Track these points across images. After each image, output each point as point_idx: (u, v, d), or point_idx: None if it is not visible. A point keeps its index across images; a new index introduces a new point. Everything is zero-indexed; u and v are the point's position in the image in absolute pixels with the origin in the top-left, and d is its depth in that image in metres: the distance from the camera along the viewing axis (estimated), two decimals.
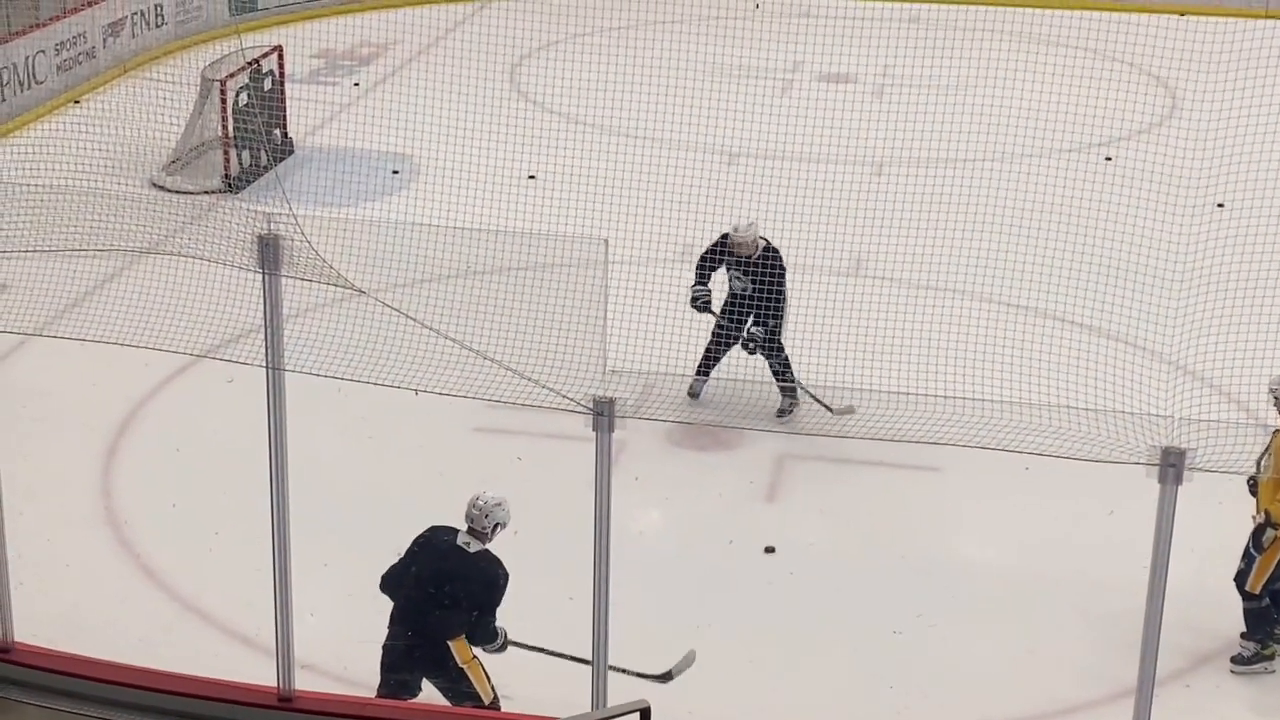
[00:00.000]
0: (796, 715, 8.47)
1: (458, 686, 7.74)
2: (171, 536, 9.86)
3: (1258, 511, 8.58)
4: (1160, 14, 20.03)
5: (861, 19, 15.70)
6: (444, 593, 7.67)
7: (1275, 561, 8.56)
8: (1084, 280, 11.85)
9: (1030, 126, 15.23)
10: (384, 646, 7.81)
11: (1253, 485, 8.62)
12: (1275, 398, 8.63)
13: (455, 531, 7.81)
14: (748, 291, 10.96)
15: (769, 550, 9.72)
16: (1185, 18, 18.58)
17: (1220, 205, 12.60)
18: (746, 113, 15.30)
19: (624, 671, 7.67)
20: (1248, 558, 8.61)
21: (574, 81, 15.72)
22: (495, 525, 7.77)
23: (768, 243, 11.13)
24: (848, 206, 12.60)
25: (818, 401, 10.88)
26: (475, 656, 7.74)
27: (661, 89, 14.32)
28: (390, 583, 7.88)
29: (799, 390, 11.08)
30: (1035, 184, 14.19)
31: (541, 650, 7.94)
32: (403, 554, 7.91)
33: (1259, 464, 8.50)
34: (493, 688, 7.80)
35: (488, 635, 7.74)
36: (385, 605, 8.00)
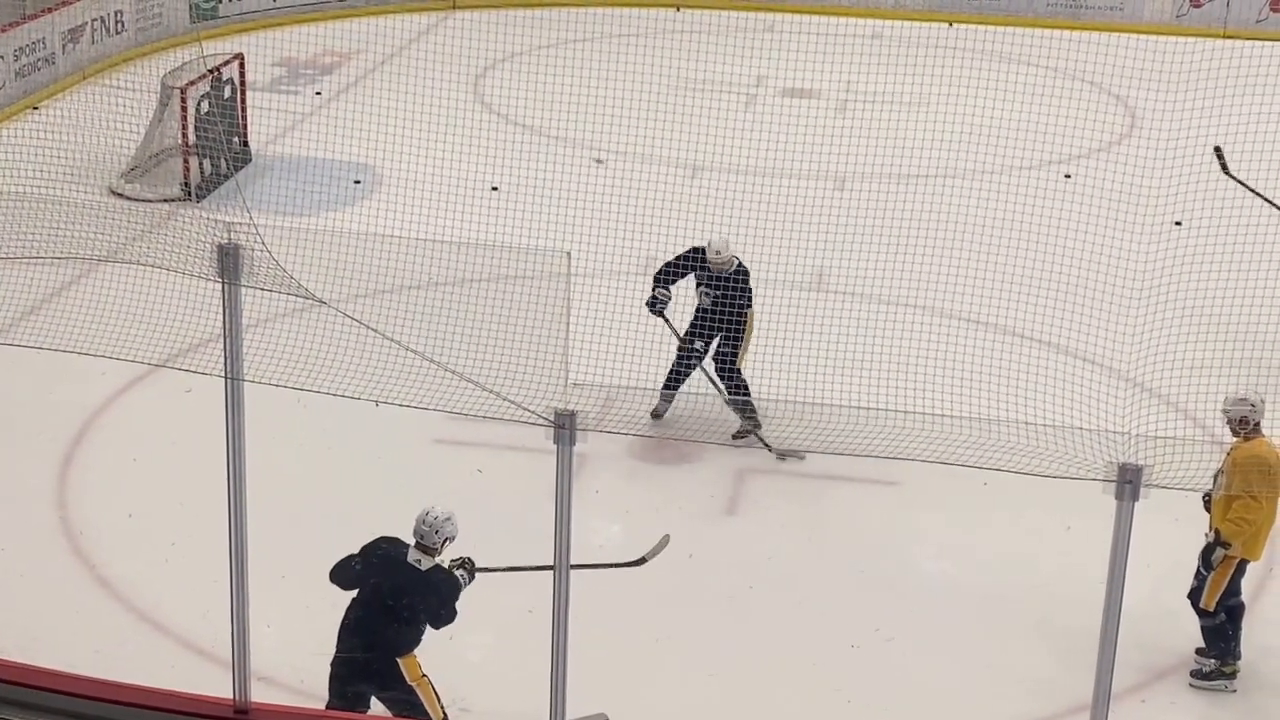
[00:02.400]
0: None
1: (408, 701, 7.71)
2: (128, 547, 9.79)
3: (1210, 529, 8.63)
4: (1120, 33, 20.21)
5: (825, 34, 15.76)
6: (397, 609, 7.62)
7: (1228, 579, 8.62)
8: (1043, 297, 11.91)
9: (991, 143, 15.30)
10: (334, 660, 7.77)
11: (1207, 502, 8.68)
12: (1228, 418, 8.66)
13: (406, 547, 7.75)
14: (716, 308, 10.96)
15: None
16: (1145, 37, 18.74)
17: (1178, 223, 12.69)
18: (710, 126, 15.33)
19: (595, 567, 7.65)
20: (1199, 576, 8.66)
21: (538, 93, 15.74)
22: (445, 540, 7.73)
23: (740, 262, 11.15)
24: (810, 221, 12.64)
25: (762, 443, 10.90)
26: (425, 675, 7.69)
27: (625, 102, 14.34)
28: (339, 577, 7.84)
29: (748, 418, 11.07)
30: (995, 200, 14.26)
31: (512, 569, 7.91)
32: (356, 554, 7.85)
33: (1215, 479, 8.56)
34: (443, 707, 7.77)
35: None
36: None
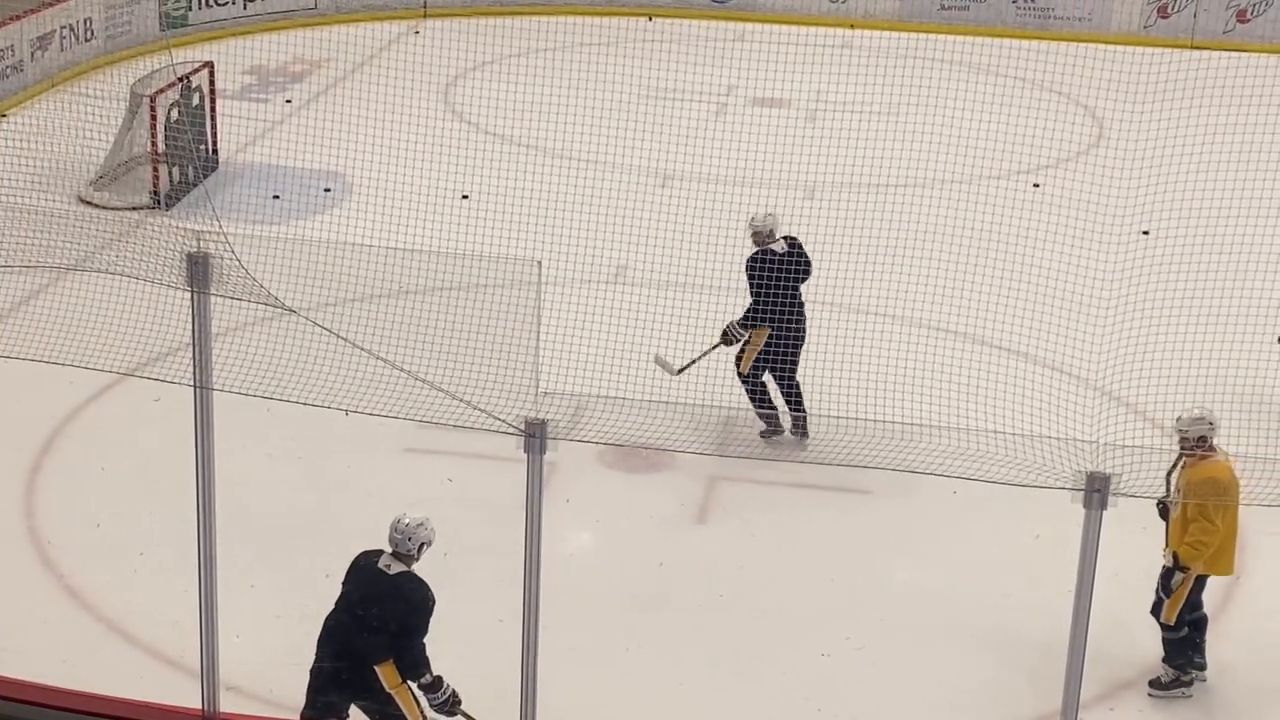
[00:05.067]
0: None
1: (386, 710, 7.68)
2: (96, 557, 9.74)
3: (1167, 547, 8.64)
4: (1088, 43, 20.34)
5: (795, 44, 15.80)
6: (369, 615, 7.58)
7: (1186, 595, 8.63)
8: (1011, 306, 11.96)
9: (959, 153, 15.40)
10: (312, 669, 7.73)
11: (1163, 510, 8.70)
12: (1184, 436, 8.63)
13: (380, 554, 7.73)
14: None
15: None
16: (1113, 48, 18.86)
17: (1146, 232, 12.78)
18: (681, 135, 15.36)
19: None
20: (1159, 593, 8.68)
21: (508, 102, 15.74)
22: (420, 545, 7.66)
23: (789, 238, 11.15)
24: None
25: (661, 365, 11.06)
26: (404, 682, 7.66)
27: (596, 110, 14.35)
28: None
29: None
30: (964, 210, 14.33)
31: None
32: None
33: (1168, 480, 8.56)
34: (423, 713, 7.74)
35: (416, 663, 7.57)
36: (312, 627, 7.92)
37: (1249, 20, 22.69)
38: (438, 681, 7.59)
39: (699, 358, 11.12)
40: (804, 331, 11.08)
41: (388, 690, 7.59)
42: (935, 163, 15.94)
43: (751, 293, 11.00)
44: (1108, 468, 6.26)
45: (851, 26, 21.70)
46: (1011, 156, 14.72)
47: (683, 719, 8.56)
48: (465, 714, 7.72)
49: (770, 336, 10.98)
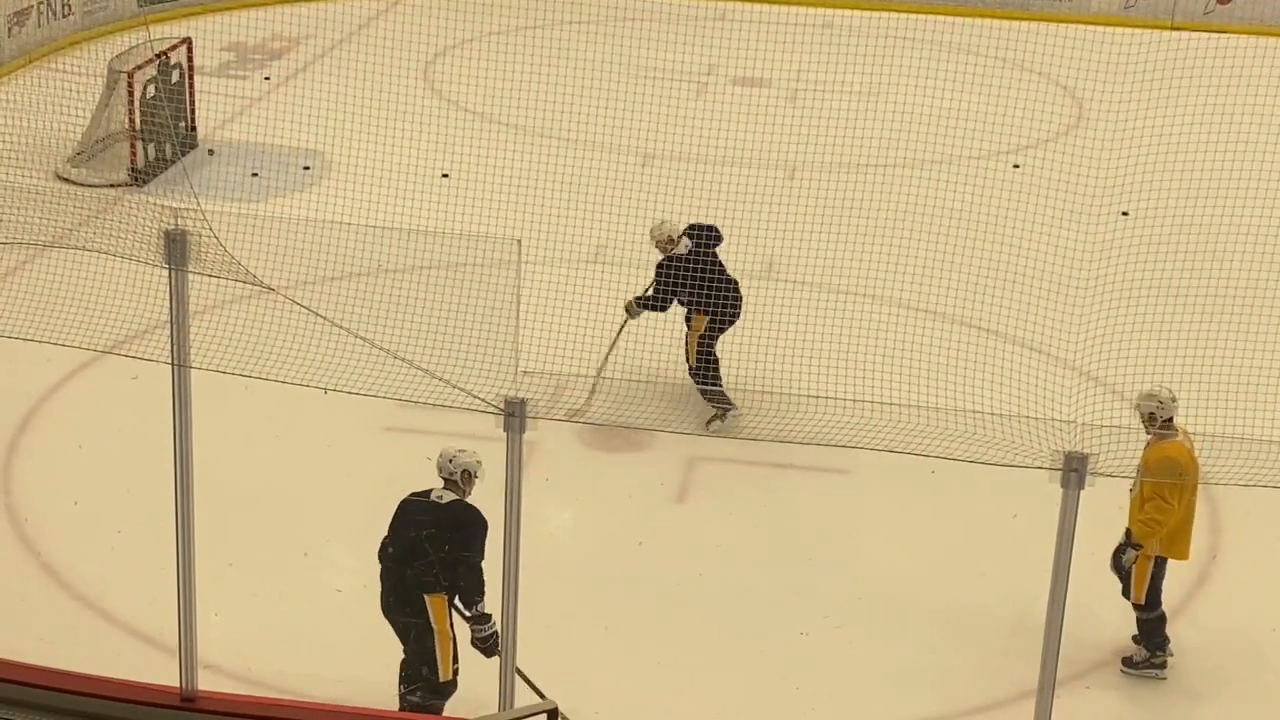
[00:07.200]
0: (703, 716, 8.51)
1: (421, 644, 7.78)
2: (73, 535, 9.71)
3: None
4: (1069, 24, 20.34)
5: (775, 23, 15.81)
6: (418, 541, 7.72)
7: (1149, 573, 8.66)
8: (990, 286, 12.00)
9: (940, 133, 15.41)
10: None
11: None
12: (1141, 414, 8.68)
13: (429, 491, 7.88)
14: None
15: None
16: (1093, 28, 18.88)
17: (1125, 213, 12.81)
18: (661, 114, 15.33)
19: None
20: (1115, 572, 8.72)
21: (489, 80, 15.69)
22: (462, 471, 7.82)
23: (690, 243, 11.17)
24: (761, 210, 12.67)
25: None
26: (451, 628, 7.78)
27: (576, 89, 14.32)
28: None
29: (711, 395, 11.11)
30: (944, 190, 14.35)
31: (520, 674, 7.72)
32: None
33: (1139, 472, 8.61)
34: (455, 670, 7.83)
35: (474, 587, 7.67)
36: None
37: (1229, 1, 22.73)
38: (487, 617, 7.69)
39: (614, 340, 11.08)
40: (739, 307, 11.14)
41: (431, 624, 7.72)
42: (915, 143, 15.95)
43: (656, 292, 11.06)
44: (1085, 447, 6.27)
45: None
46: (991, 137, 14.75)
47: (661, 698, 8.58)
48: (521, 672, 7.77)
49: (710, 322, 11.03)
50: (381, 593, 7.92)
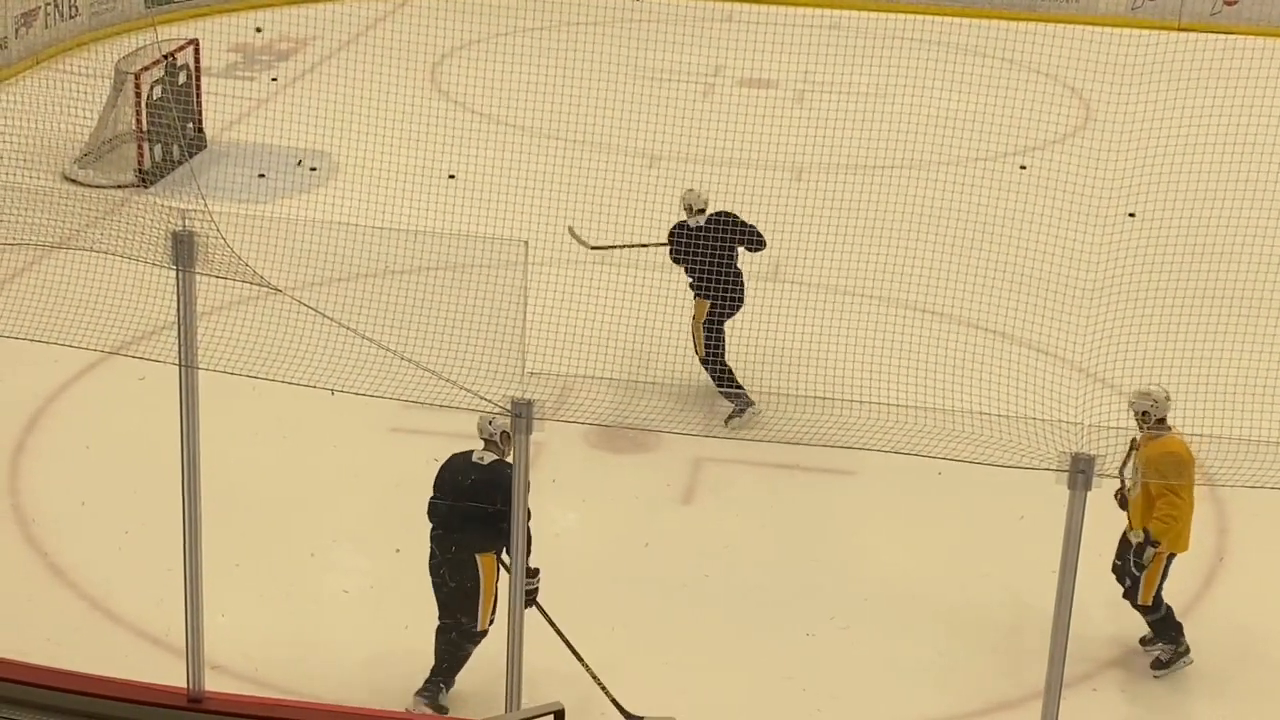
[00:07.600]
0: (709, 717, 8.50)
1: (466, 602, 7.94)
2: (80, 535, 9.73)
3: (1131, 529, 8.66)
4: (1076, 25, 20.34)
5: (783, 24, 15.79)
6: (470, 510, 7.85)
7: (1160, 573, 8.66)
8: (997, 287, 11.99)
9: (946, 134, 15.40)
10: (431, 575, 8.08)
11: (1122, 500, 8.73)
12: (1134, 412, 8.67)
13: (470, 452, 8.04)
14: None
15: None
16: (1100, 29, 18.86)
17: (1132, 215, 12.80)
18: (668, 116, 15.34)
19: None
20: (1132, 576, 8.70)
21: (495, 81, 15.70)
22: (502, 433, 7.94)
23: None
24: (767, 211, 12.64)
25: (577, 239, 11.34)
26: (495, 586, 7.94)
27: (583, 90, 14.31)
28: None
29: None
30: (951, 192, 14.34)
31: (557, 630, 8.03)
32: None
33: (1121, 473, 8.60)
34: (492, 619, 7.95)
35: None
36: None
37: (1236, 2, 22.70)
38: (535, 571, 7.82)
39: (619, 246, 11.39)
40: (738, 301, 11.15)
41: (480, 581, 7.89)
42: (922, 144, 15.94)
43: (670, 257, 11.30)
44: (1092, 449, 6.27)
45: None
46: (998, 138, 14.73)
47: (667, 698, 8.57)
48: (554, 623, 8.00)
49: (711, 307, 11.07)
50: (431, 553, 8.05)
